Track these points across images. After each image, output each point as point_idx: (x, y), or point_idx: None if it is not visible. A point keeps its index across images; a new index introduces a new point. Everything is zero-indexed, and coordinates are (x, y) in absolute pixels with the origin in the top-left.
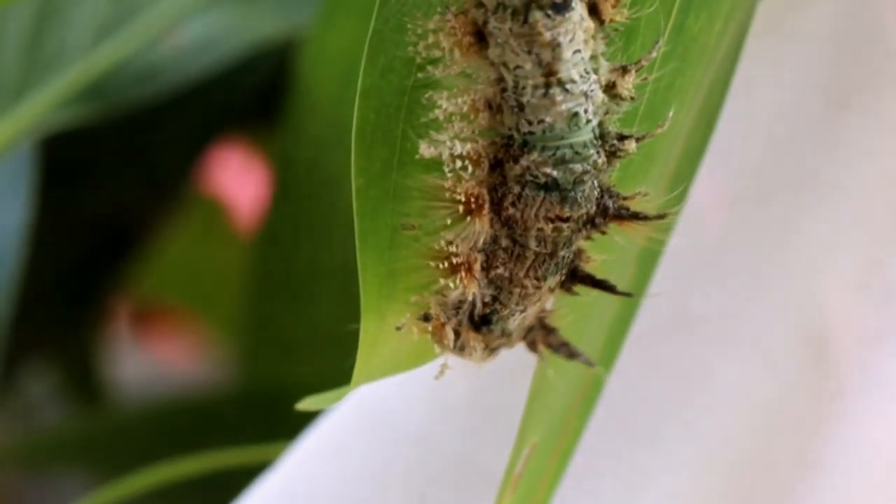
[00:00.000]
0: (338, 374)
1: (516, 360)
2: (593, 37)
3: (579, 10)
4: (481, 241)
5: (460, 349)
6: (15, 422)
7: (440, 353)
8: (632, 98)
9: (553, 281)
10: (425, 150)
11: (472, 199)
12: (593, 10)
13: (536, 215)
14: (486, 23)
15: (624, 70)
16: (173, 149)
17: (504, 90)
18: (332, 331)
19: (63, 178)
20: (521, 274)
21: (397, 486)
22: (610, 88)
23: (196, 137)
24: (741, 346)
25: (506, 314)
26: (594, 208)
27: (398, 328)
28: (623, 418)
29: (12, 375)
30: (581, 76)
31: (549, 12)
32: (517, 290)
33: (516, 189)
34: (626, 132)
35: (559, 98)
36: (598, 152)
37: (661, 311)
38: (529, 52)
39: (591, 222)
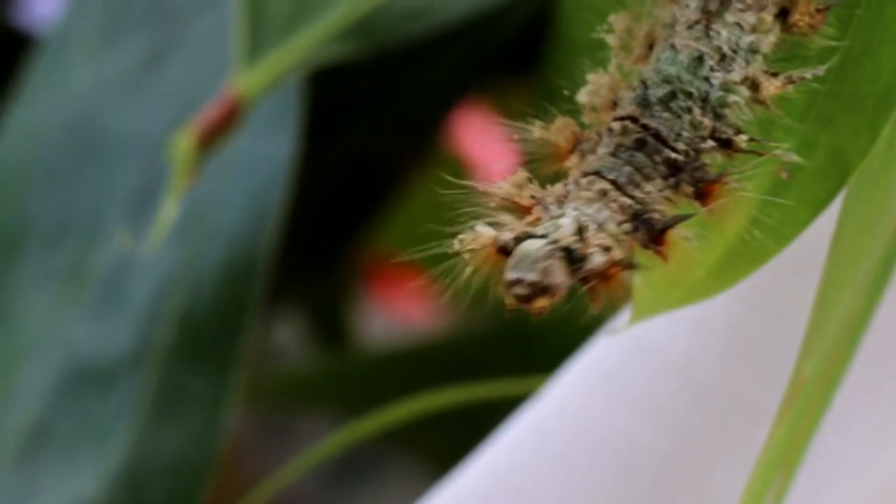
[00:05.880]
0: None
1: (780, 290)
2: (764, 31)
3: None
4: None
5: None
6: (262, 363)
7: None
8: (767, 106)
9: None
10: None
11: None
12: (782, 13)
13: (614, 117)
14: None
15: (774, 75)
16: (427, 96)
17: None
18: None
19: (321, 118)
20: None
21: (657, 416)
22: (753, 88)
23: (450, 85)
24: None
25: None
26: (680, 158)
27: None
28: (880, 352)
29: (264, 313)
30: (728, 44)
31: None
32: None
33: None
34: (744, 128)
35: (697, 34)
36: (703, 110)
37: None
38: None
39: (675, 177)
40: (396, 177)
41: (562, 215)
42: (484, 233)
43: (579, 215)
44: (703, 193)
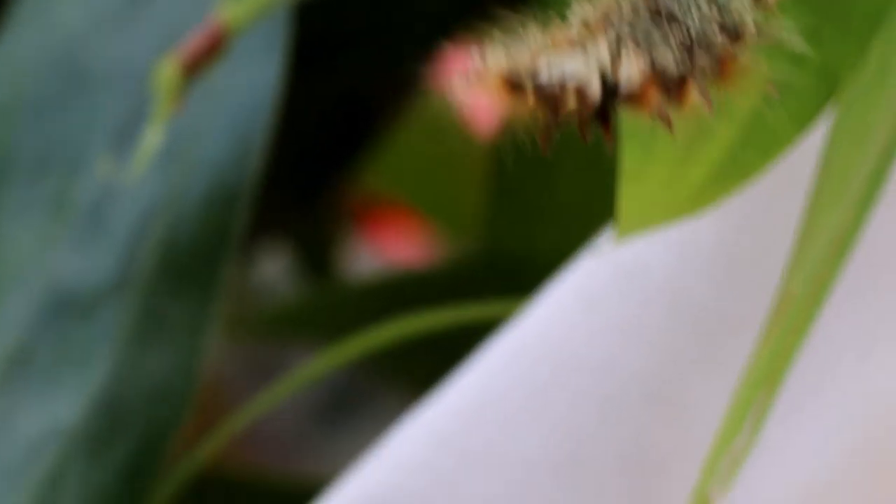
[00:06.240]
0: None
1: (768, 208)
2: None
3: None
4: None
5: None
6: (248, 299)
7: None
8: (769, 7)
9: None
10: None
11: None
12: None
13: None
14: None
15: None
16: (414, 31)
17: None
18: (576, 199)
19: (308, 53)
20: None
21: (646, 340)
22: None
23: (438, 20)
24: None
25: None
26: (694, 42)
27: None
28: (865, 266)
29: (249, 249)
30: None
31: None
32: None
33: None
34: (751, 19)
35: None
36: (709, 5)
37: None
38: None
39: (690, 55)
40: (383, 113)
41: (586, 51)
42: (498, 57)
43: (606, 50)
44: (718, 68)
